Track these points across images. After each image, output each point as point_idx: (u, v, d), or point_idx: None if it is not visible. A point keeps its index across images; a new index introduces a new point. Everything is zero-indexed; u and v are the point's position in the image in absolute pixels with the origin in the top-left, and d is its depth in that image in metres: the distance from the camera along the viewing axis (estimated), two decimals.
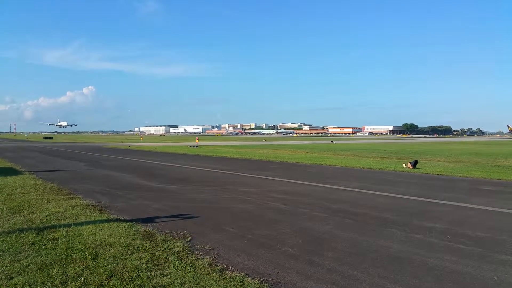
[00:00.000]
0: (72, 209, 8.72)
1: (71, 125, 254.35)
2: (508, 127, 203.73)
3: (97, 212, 8.57)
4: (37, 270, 4.98)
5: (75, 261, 5.34)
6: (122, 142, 69.93)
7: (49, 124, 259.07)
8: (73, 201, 9.73)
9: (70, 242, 6.19)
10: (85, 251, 5.72)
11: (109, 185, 13.15)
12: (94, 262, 5.28)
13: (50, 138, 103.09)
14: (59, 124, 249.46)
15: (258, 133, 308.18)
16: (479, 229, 7.37)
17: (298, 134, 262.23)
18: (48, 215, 8.08)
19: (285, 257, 5.72)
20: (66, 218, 7.90)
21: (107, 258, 5.46)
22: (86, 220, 7.72)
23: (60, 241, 6.25)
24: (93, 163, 22.74)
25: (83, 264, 5.20)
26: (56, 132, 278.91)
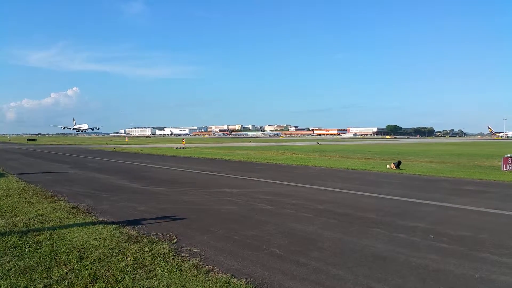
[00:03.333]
0: (56, 212, 8.61)
1: (92, 129, 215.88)
2: (489, 128, 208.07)
3: (81, 214, 8.47)
4: (19, 274, 4.90)
5: (59, 264, 5.28)
6: (108, 144, 69.07)
7: (63, 128, 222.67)
8: (57, 204, 9.60)
9: (54, 245, 6.11)
10: (69, 254, 5.66)
11: (94, 188, 13.00)
12: (78, 265, 5.22)
13: (34, 140, 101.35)
14: (76, 127, 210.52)
15: (245, 134, 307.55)
16: (461, 228, 7.53)
17: (284, 136, 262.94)
18: (31, 218, 7.95)
19: (271, 258, 5.76)
20: (50, 221, 7.79)
21: (92, 261, 5.41)
22: (71, 222, 7.62)
23: (44, 244, 6.17)
24: (78, 165, 22.43)
25: (67, 267, 5.14)
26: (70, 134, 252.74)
